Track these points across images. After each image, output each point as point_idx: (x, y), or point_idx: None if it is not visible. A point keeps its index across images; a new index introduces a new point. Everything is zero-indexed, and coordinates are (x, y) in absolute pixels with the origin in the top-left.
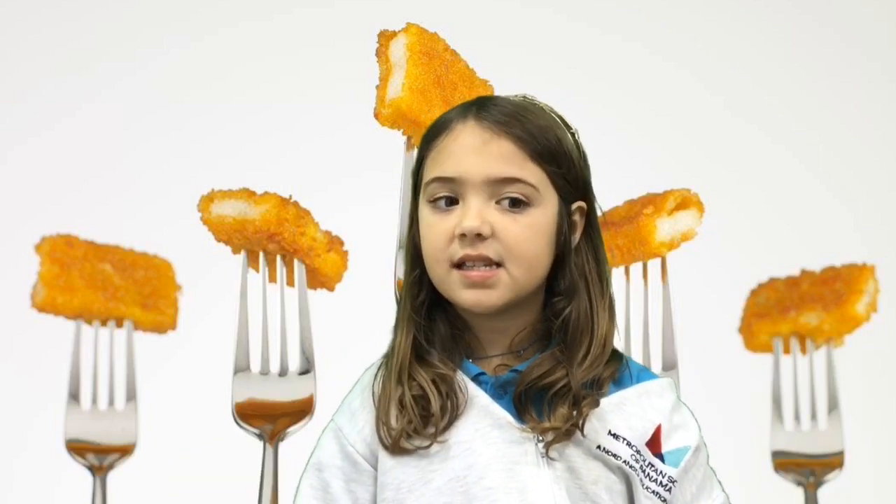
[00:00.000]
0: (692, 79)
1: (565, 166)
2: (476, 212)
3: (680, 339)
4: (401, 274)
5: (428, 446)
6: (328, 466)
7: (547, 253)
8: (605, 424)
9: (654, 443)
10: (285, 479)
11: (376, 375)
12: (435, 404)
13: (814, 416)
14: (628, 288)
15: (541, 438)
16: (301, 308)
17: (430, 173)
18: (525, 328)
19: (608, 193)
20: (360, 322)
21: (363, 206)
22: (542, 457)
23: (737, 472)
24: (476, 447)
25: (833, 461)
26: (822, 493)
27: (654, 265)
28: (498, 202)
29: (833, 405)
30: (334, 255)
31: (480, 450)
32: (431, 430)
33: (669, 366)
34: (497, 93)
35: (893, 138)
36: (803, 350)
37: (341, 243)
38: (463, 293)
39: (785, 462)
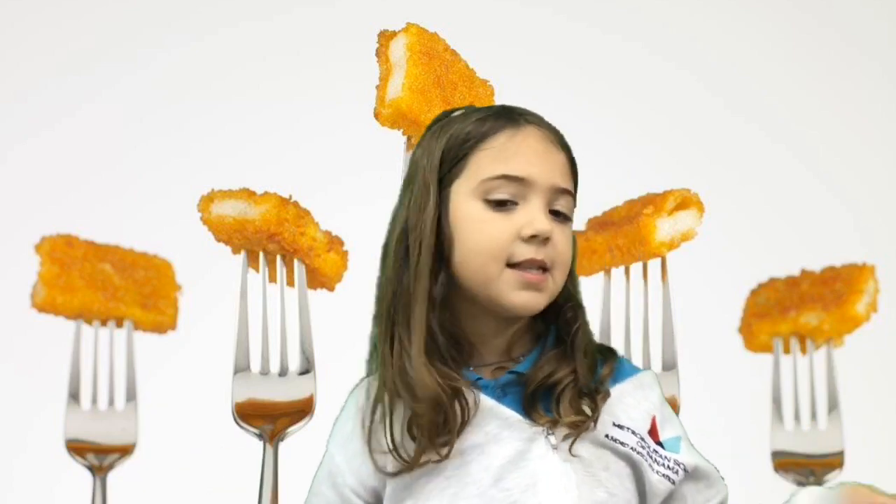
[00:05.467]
0: (692, 79)
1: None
2: (545, 216)
3: (680, 339)
4: None
5: (439, 460)
6: (317, 493)
7: None
8: (609, 417)
9: (652, 432)
10: (285, 479)
11: (369, 397)
12: (447, 416)
13: (814, 416)
14: (628, 288)
15: (551, 432)
16: (301, 308)
17: (491, 170)
18: (522, 335)
19: (608, 193)
20: (360, 322)
21: (363, 206)
22: (554, 449)
23: (737, 472)
24: (489, 450)
25: (833, 461)
26: None
27: (654, 265)
28: (551, 211)
29: (833, 405)
30: (334, 255)
31: (494, 451)
32: (443, 439)
33: (669, 366)
34: (497, 93)
35: (893, 138)
36: (803, 350)
37: (341, 243)
38: (516, 294)
39: (785, 462)
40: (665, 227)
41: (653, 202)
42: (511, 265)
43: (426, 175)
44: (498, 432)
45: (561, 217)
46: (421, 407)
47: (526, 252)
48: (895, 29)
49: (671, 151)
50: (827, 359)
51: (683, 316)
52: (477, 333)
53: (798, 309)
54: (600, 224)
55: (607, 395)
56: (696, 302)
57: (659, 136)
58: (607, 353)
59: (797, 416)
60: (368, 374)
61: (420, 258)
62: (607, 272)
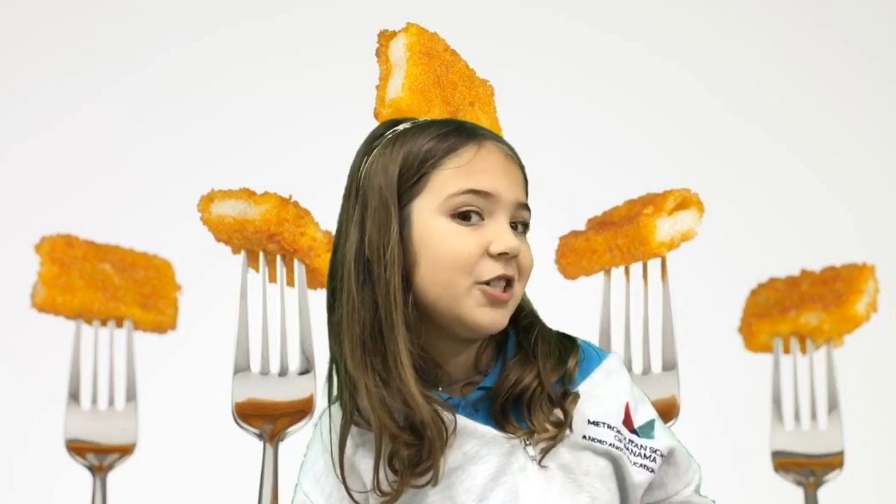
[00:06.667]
0: (692, 79)
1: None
2: (509, 232)
3: (680, 339)
4: None
5: (424, 485)
6: None
7: None
8: (583, 416)
9: (627, 421)
10: (285, 479)
11: (333, 430)
12: (430, 441)
13: (814, 416)
14: (628, 288)
15: (528, 443)
16: (301, 308)
17: (458, 185)
18: (483, 349)
19: (608, 193)
20: None
21: None
22: (533, 460)
23: (737, 472)
24: (470, 470)
25: (833, 461)
26: (822, 493)
27: (654, 265)
28: (511, 224)
29: (833, 405)
30: None
31: (475, 471)
32: (426, 465)
33: (669, 366)
34: (497, 93)
35: (893, 138)
36: (803, 350)
37: None
38: (482, 311)
39: (785, 462)
40: (665, 227)
41: (653, 202)
42: (478, 282)
43: (384, 193)
44: (476, 451)
45: (521, 229)
46: (405, 436)
47: (494, 269)
48: (895, 29)
49: (671, 151)
50: (827, 359)
51: (683, 316)
52: (442, 354)
53: (798, 309)
54: (600, 224)
55: (576, 397)
56: (696, 302)
57: (659, 136)
58: (568, 343)
59: (797, 416)
60: (331, 403)
61: (393, 282)
62: (607, 272)
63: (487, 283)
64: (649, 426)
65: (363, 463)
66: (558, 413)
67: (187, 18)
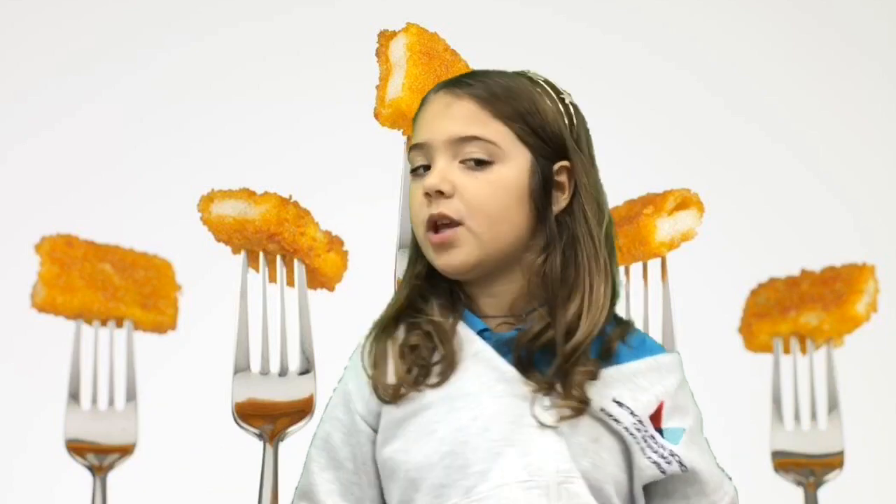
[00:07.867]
0: (692, 79)
1: (536, 124)
2: (438, 171)
3: (680, 339)
4: (401, 274)
5: (425, 390)
6: (331, 418)
7: (517, 209)
8: (610, 392)
9: (655, 418)
10: (285, 479)
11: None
12: (431, 354)
13: (814, 416)
14: (628, 288)
15: (546, 394)
16: (301, 308)
17: (409, 145)
18: (521, 294)
19: (608, 193)
20: (360, 322)
21: (363, 206)
22: (546, 410)
23: (737, 472)
24: (482, 400)
25: (833, 461)
26: (822, 493)
27: (654, 265)
28: (462, 161)
29: (833, 405)
30: (334, 255)
31: (486, 402)
32: (434, 380)
33: None
34: None
35: (893, 138)
36: (803, 350)
37: (341, 243)
38: (437, 257)
39: (785, 462)
40: (665, 227)
41: (653, 202)
42: (430, 229)
43: None
44: (493, 384)
45: (484, 164)
46: (401, 347)
47: (429, 211)
48: (895, 29)
49: (671, 151)
50: (827, 359)
51: (683, 316)
52: (473, 293)
53: (798, 309)
54: None
55: (591, 374)
56: (696, 302)
57: (659, 136)
58: (622, 321)
59: (797, 416)
60: None
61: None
62: None
63: (434, 228)
64: (677, 433)
65: (391, 351)
66: (584, 388)
67: (187, 18)
